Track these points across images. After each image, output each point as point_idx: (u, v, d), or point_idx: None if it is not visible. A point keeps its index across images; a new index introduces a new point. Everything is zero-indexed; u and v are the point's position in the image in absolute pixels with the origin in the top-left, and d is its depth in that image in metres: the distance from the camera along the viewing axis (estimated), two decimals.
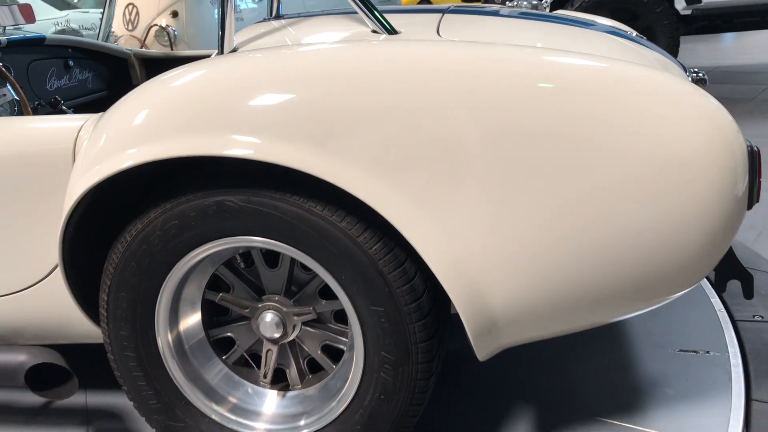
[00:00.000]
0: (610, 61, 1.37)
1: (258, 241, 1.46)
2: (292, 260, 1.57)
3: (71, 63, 2.78)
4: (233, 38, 1.77)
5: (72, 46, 2.80)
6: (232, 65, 1.49)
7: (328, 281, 1.46)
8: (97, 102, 2.90)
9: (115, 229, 1.57)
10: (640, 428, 1.76)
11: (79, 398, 2.02)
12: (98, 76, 2.94)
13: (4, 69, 2.28)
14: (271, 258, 1.59)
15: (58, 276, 1.68)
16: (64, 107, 2.51)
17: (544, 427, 1.78)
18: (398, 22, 1.73)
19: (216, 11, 8.09)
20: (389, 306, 1.41)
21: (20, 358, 1.68)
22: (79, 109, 2.76)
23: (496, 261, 1.36)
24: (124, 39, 8.11)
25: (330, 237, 1.39)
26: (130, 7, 8.15)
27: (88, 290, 1.65)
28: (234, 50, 1.79)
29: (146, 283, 1.53)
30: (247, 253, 1.61)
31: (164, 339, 1.59)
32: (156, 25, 7.99)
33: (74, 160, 1.60)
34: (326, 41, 1.79)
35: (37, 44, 2.62)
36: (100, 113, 1.65)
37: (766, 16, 6.15)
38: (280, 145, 1.36)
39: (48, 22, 11.36)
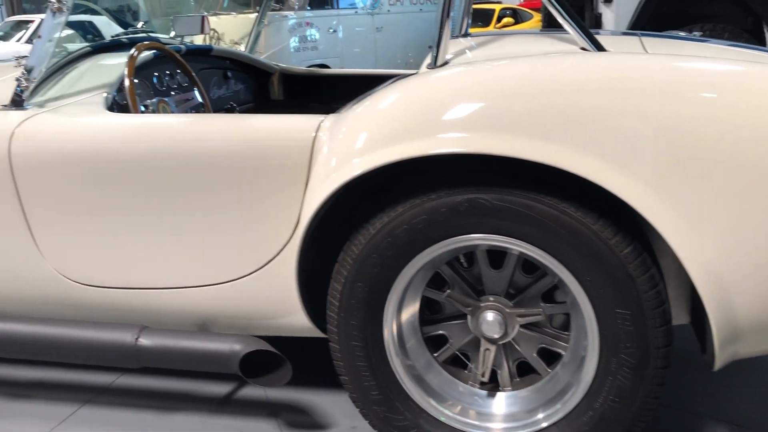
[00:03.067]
0: None
1: (500, 240, 1.52)
2: (516, 262, 1.62)
3: (229, 74, 2.90)
4: (446, 52, 1.86)
5: (231, 58, 2.93)
6: (473, 72, 1.57)
7: (568, 283, 1.50)
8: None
9: (334, 220, 1.64)
10: None
11: (258, 391, 2.07)
12: (248, 89, 3.06)
13: (194, 75, 2.40)
14: (494, 258, 1.64)
15: (276, 266, 1.75)
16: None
17: None
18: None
19: (295, 39, 8.34)
20: (635, 309, 1.45)
21: (235, 346, 1.74)
22: None
23: (748, 268, 1.40)
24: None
25: (582, 238, 1.44)
26: (212, 32, 8.44)
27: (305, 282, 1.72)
28: (445, 63, 1.88)
29: (384, 274, 1.59)
30: (468, 252, 1.67)
31: (390, 331, 1.64)
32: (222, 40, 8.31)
33: (311, 158, 1.68)
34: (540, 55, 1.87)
35: (205, 53, 2.74)
36: (334, 114, 1.74)
37: None
38: (541, 143, 1.42)
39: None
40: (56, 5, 1.89)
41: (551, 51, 1.92)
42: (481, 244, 1.56)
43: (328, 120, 1.71)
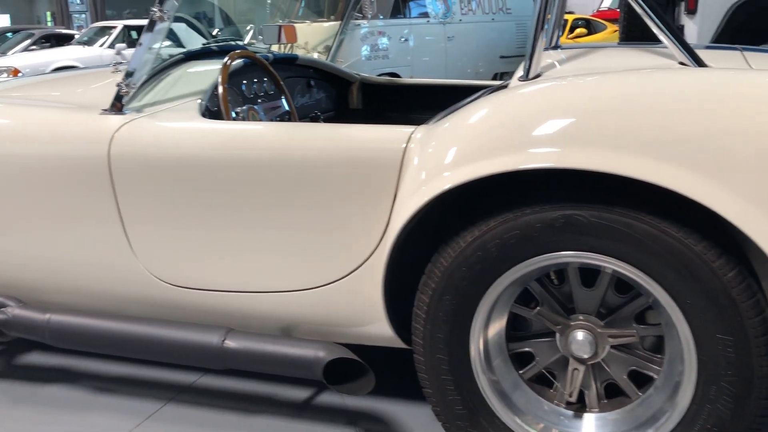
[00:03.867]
0: None
1: (595, 258, 1.48)
2: (609, 281, 1.58)
3: (312, 83, 2.94)
4: (539, 64, 1.84)
5: (314, 67, 2.97)
6: (567, 86, 1.54)
7: (665, 305, 1.46)
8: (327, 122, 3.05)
9: (421, 231, 1.64)
10: None
11: (337, 398, 2.08)
12: (329, 97, 3.09)
13: (281, 83, 2.44)
14: (585, 277, 1.61)
15: (362, 274, 1.76)
16: (322, 123, 2.65)
17: None
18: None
19: (366, 47, 8.41)
20: (739, 336, 1.39)
21: (319, 353, 1.75)
22: None
23: None
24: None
25: (683, 260, 1.40)
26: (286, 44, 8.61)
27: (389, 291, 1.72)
28: (537, 76, 1.86)
29: (473, 288, 1.57)
30: (559, 269, 1.63)
31: (476, 345, 1.63)
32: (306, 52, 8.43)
33: (400, 168, 1.68)
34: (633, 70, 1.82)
35: (291, 62, 2.79)
36: (424, 126, 1.74)
37: None
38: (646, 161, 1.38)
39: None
40: (158, 14, 1.96)
41: (647, 65, 1.87)
42: (574, 262, 1.53)
43: (419, 131, 1.71)
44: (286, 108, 2.47)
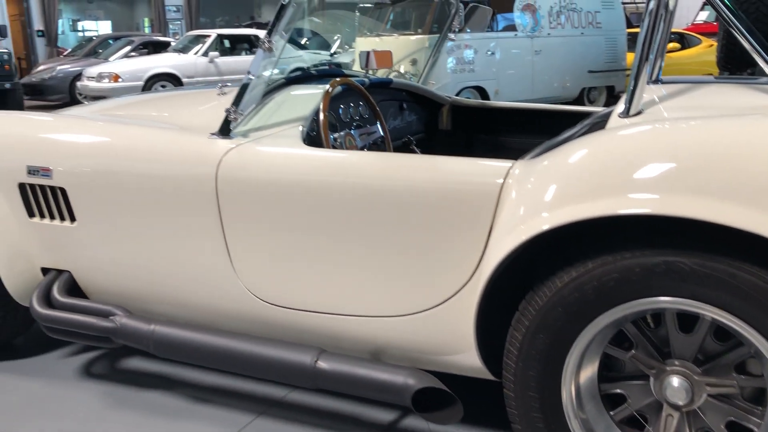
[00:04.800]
0: None
1: (695, 305, 1.46)
2: (709, 327, 1.55)
3: (404, 105, 3.00)
4: (641, 100, 1.82)
5: (407, 90, 3.03)
6: (669, 130, 1.52)
7: None
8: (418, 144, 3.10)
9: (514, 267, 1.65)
10: None
11: (422, 424, 2.12)
12: (420, 120, 3.14)
13: (377, 108, 2.51)
14: (683, 322, 1.58)
15: (453, 305, 1.79)
16: (414, 148, 2.70)
17: None
18: None
19: (452, 60, 8.43)
20: None
21: (409, 380, 1.79)
22: (403, 149, 2.95)
23: None
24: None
25: None
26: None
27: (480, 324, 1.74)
28: (638, 113, 1.84)
29: (567, 328, 1.58)
30: (656, 312, 1.62)
31: (568, 385, 1.63)
32: (396, 70, 8.52)
33: (497, 203, 1.70)
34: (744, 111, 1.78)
35: (385, 86, 2.85)
36: (522, 161, 1.75)
37: None
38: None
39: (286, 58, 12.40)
40: (266, 45, 2.05)
41: (752, 106, 1.82)
42: (672, 308, 1.51)
43: (516, 167, 1.73)
44: (381, 133, 2.53)
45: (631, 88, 1.82)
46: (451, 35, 9.10)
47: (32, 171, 2.32)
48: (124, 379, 2.44)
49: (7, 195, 2.39)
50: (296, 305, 2.02)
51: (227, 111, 2.09)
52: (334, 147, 2.25)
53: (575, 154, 1.61)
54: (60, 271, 2.39)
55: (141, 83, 11.12)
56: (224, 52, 12.16)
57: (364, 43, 9.11)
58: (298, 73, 2.59)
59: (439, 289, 1.81)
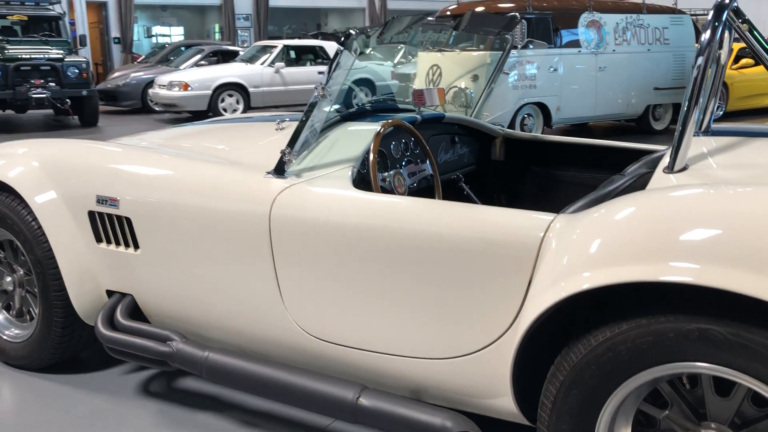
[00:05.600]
0: None
1: (729, 373, 1.47)
2: (746, 393, 1.55)
3: (456, 139, 3.05)
4: (686, 155, 1.83)
5: (459, 124, 3.08)
6: (714, 197, 1.52)
7: None
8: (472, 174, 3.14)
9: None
10: None
11: None
12: (472, 152, 3.19)
13: (427, 147, 2.57)
14: (719, 384, 1.58)
15: (492, 352, 1.83)
16: (463, 185, 2.74)
17: None
18: None
19: (514, 76, 8.39)
20: None
21: (447, 423, 1.84)
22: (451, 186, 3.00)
23: None
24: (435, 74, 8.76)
25: None
26: (435, 67, 8.79)
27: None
28: (684, 168, 1.84)
29: (601, 386, 1.60)
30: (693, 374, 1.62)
31: None
32: (456, 86, 8.56)
33: (537, 256, 1.74)
34: None
35: (437, 121, 2.91)
36: (564, 215, 1.78)
37: None
38: None
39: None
40: (321, 92, 2.14)
41: None
42: (707, 373, 1.52)
43: (558, 221, 1.76)
44: (430, 171, 2.59)
45: (677, 142, 1.83)
46: (513, 51, 9.02)
47: (101, 200, 2.48)
48: (179, 398, 2.57)
49: (77, 220, 2.55)
50: (341, 341, 2.10)
51: (282, 152, 2.19)
52: (382, 187, 2.32)
53: (617, 215, 1.63)
54: (123, 294, 2.54)
55: (209, 92, 11.48)
56: (290, 63, 12.44)
57: (426, 58, 9.19)
58: (353, 109, 2.68)
59: (479, 335, 1.86)
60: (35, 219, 2.55)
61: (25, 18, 11.98)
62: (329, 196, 2.11)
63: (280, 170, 2.21)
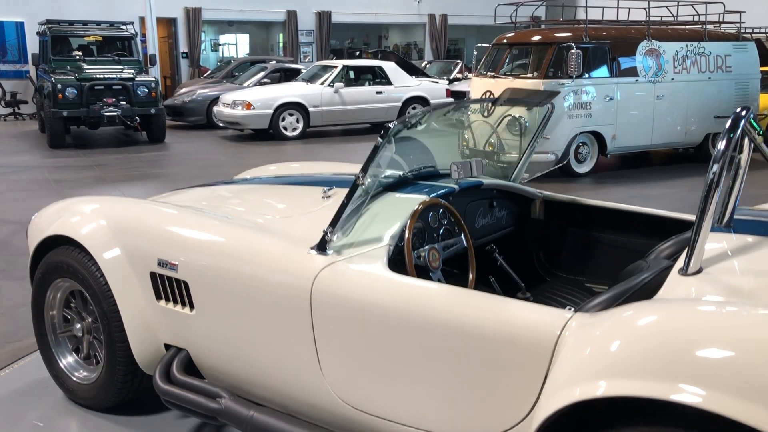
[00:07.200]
0: None
1: None
2: None
3: (495, 203, 3.18)
4: (701, 258, 1.90)
5: (498, 189, 3.20)
6: (730, 317, 1.61)
7: None
8: (506, 238, 3.25)
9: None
10: None
11: None
12: (510, 214, 3.30)
13: (462, 221, 2.71)
14: None
15: None
16: (496, 256, 2.86)
17: None
18: None
19: (569, 104, 8.38)
20: None
21: None
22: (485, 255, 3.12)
23: None
24: (476, 124, 8.84)
25: None
26: (488, 93, 8.87)
27: None
28: (698, 271, 1.92)
29: None
30: None
31: None
32: (511, 115, 8.62)
33: (552, 353, 1.86)
34: None
35: (476, 188, 3.05)
36: (581, 314, 1.90)
37: None
38: None
39: (405, 87, 12.90)
40: (360, 180, 2.32)
41: None
42: None
43: (574, 320, 1.87)
44: (464, 245, 2.72)
45: (692, 240, 1.89)
46: (569, 80, 8.99)
47: (162, 263, 2.71)
48: None
49: (140, 279, 2.80)
50: (373, 412, 2.26)
51: (324, 232, 2.37)
52: (417, 264, 2.48)
53: (631, 326, 1.70)
54: (179, 349, 2.77)
55: (270, 111, 11.86)
56: (349, 83, 12.71)
57: (479, 83, 9.28)
58: (394, 180, 2.83)
59: (498, 421, 1.99)
60: (102, 275, 2.81)
61: (101, 38, 12.65)
62: (365, 275, 2.28)
63: (322, 247, 2.39)
